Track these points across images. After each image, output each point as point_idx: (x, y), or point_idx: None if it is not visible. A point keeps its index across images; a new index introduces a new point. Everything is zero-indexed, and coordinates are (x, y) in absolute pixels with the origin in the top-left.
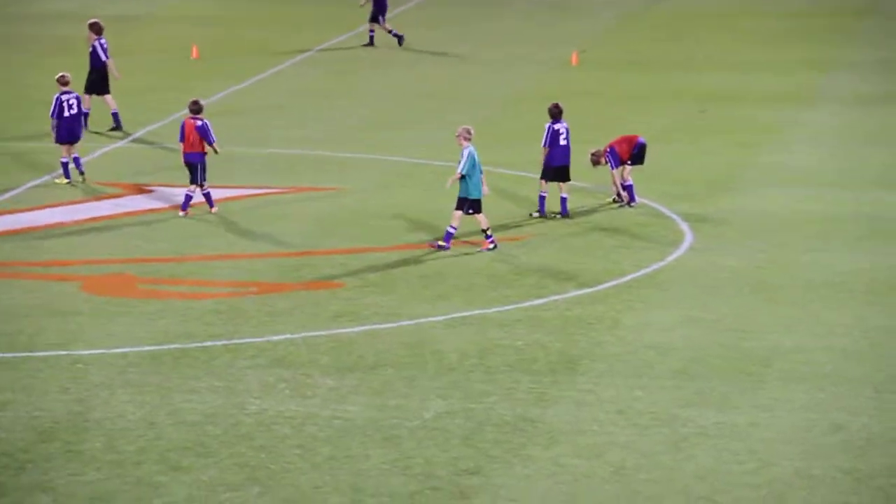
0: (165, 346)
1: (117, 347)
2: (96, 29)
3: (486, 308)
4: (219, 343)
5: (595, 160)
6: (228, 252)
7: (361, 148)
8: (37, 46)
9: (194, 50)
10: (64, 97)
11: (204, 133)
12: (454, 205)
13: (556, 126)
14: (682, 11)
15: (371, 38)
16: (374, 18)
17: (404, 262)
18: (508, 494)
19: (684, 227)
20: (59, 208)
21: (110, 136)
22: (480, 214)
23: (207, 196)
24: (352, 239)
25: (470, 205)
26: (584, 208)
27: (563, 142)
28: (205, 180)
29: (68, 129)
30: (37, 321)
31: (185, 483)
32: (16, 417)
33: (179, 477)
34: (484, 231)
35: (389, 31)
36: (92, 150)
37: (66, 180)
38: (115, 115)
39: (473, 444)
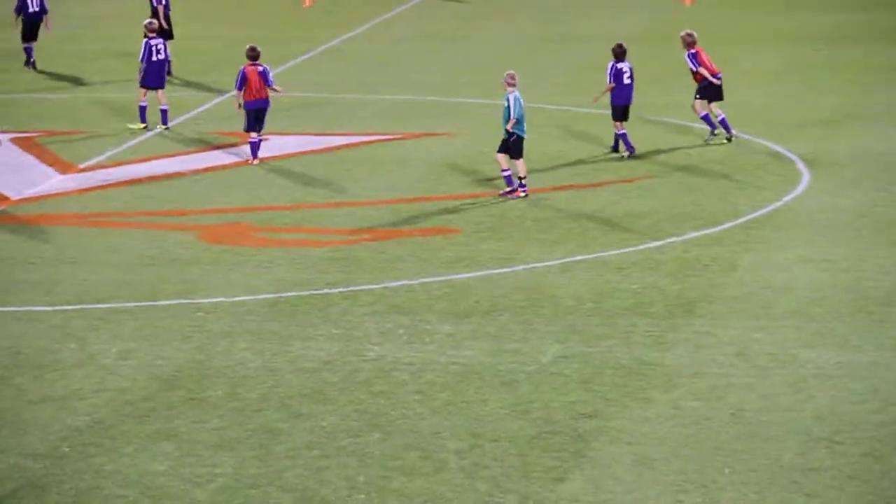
0: (283, 294)
1: (236, 296)
2: None
3: (602, 251)
4: (335, 290)
5: (688, 42)
6: (343, 199)
7: (475, 93)
8: None
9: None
10: (153, 42)
11: (265, 77)
12: (567, 148)
13: (620, 65)
14: None
15: None
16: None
17: (519, 207)
18: (627, 438)
19: (801, 166)
20: (176, 158)
21: (224, 84)
22: (521, 160)
23: (257, 145)
24: (466, 184)
25: (513, 147)
26: (698, 148)
27: (626, 80)
28: (262, 127)
29: (155, 74)
30: (157, 271)
31: (305, 430)
32: (139, 366)
33: (300, 423)
34: (521, 179)
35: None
36: (207, 99)
37: (143, 124)
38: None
39: (591, 388)
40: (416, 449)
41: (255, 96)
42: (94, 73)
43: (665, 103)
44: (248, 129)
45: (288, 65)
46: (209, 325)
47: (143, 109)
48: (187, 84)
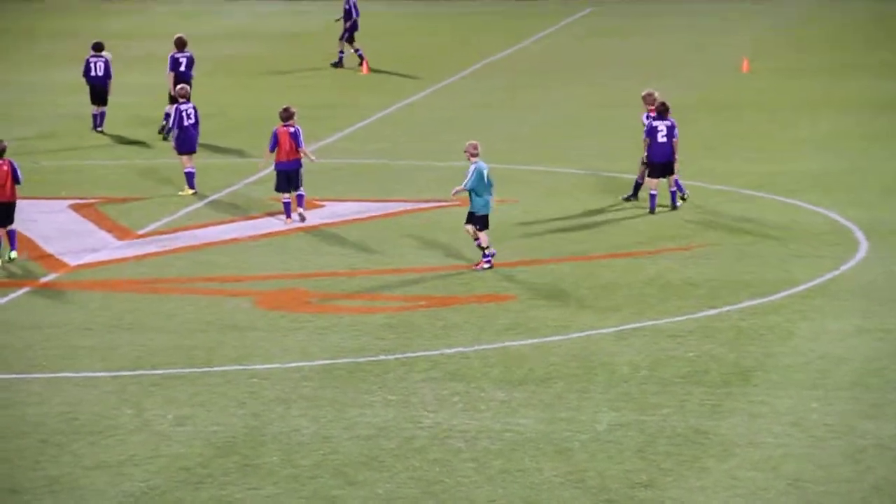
0: (339, 361)
1: (292, 362)
2: (178, 43)
3: (658, 319)
4: (391, 357)
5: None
6: (399, 266)
7: (530, 159)
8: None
9: (364, 66)
10: (183, 107)
11: (296, 139)
12: (624, 214)
13: (656, 123)
14: (855, 17)
15: (340, 58)
16: (348, 38)
17: (573, 274)
18: None
19: (859, 235)
20: (233, 224)
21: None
22: (483, 232)
23: (289, 205)
24: (521, 251)
25: (476, 220)
26: (755, 216)
27: (661, 139)
28: (298, 187)
29: (189, 139)
30: (213, 336)
31: (360, 497)
32: (195, 432)
33: (355, 491)
34: (483, 249)
35: (356, 51)
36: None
37: (192, 190)
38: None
39: (647, 457)
40: None
41: (286, 157)
42: (152, 139)
43: (723, 171)
44: (278, 190)
45: (346, 131)
46: (264, 392)
47: (190, 176)
48: (242, 150)
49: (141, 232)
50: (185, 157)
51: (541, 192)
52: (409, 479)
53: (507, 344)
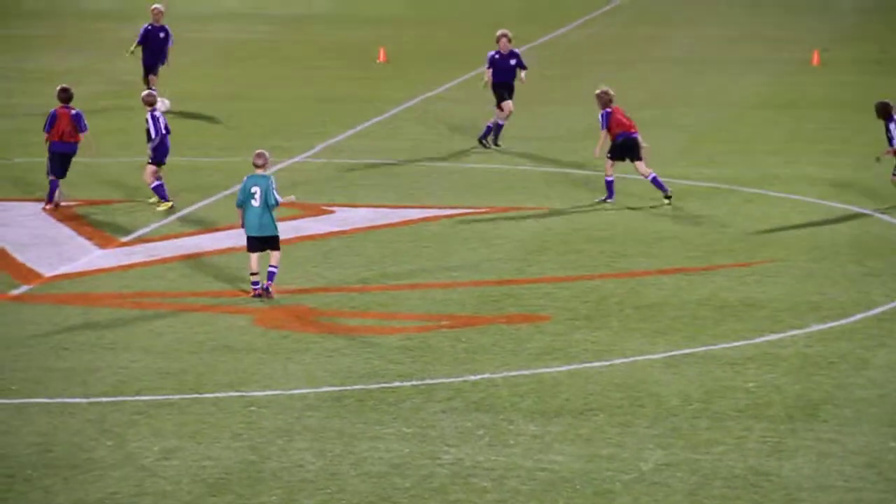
0: (348, 387)
1: (295, 388)
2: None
3: (712, 344)
4: (408, 383)
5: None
6: (418, 280)
7: (570, 162)
8: None
9: (381, 52)
10: (157, 114)
11: (78, 121)
12: (675, 226)
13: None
14: None
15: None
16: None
17: (618, 293)
18: None
19: None
20: (229, 231)
21: (286, 150)
22: (254, 254)
23: (54, 187)
24: (559, 266)
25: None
26: (825, 228)
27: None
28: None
29: (166, 148)
30: (205, 358)
31: None
32: (183, 467)
33: None
34: (252, 275)
35: (149, 89)
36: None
37: (170, 203)
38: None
39: (699, 501)
40: None
41: (62, 139)
42: (139, 133)
43: (790, 175)
44: (51, 174)
45: (358, 128)
46: (263, 422)
47: (161, 188)
48: (241, 147)
49: (125, 239)
50: (155, 169)
51: (579, 198)
52: None
53: (540, 370)
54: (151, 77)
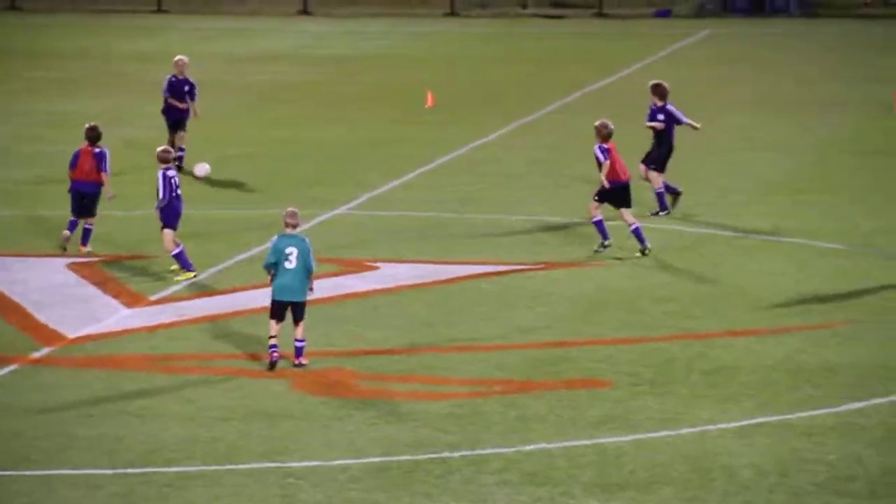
0: (393, 458)
1: (336, 459)
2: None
3: (789, 413)
4: (457, 454)
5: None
6: (467, 343)
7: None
8: None
9: (429, 97)
10: (170, 174)
11: (100, 160)
12: (744, 282)
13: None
14: None
15: None
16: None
17: (684, 356)
18: None
19: None
20: (265, 290)
21: (328, 202)
22: (275, 321)
23: (88, 232)
24: (621, 326)
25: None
26: None
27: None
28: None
29: (177, 211)
30: (239, 426)
31: None
32: None
33: None
34: (271, 337)
35: (178, 149)
36: (310, 216)
37: (193, 273)
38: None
39: None
40: None
41: (83, 178)
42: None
43: (873, 229)
44: (72, 213)
45: (404, 178)
46: (302, 495)
47: (182, 255)
48: (280, 198)
49: (153, 297)
50: (172, 233)
51: (648, 254)
52: None
53: (600, 440)
54: (181, 133)
